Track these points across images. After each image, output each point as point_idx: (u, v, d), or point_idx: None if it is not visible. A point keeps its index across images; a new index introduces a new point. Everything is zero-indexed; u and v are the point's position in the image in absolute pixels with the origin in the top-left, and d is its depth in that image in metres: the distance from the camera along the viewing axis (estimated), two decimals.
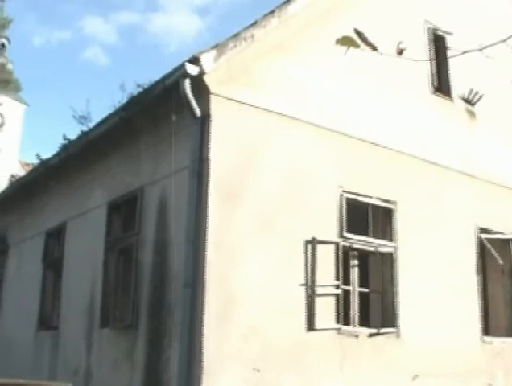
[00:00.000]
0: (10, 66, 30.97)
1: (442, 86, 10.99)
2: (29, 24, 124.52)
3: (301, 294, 8.35)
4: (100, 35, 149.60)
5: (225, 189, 7.89)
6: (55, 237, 12.45)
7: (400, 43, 2.70)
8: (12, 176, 35.87)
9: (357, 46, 2.58)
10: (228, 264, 7.77)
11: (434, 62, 10.77)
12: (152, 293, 8.63)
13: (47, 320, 12.24)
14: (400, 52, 2.78)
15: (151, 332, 8.53)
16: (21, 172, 43.05)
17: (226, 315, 7.63)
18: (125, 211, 9.84)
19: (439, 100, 10.87)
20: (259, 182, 8.25)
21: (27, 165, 33.31)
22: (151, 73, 54.96)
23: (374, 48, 2.64)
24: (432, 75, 10.80)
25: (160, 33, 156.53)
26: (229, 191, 7.93)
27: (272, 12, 8.72)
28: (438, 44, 11.07)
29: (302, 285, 8.35)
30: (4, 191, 16.61)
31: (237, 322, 7.71)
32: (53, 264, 12.43)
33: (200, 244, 7.62)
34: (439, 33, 11.13)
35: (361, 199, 9.27)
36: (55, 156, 12.09)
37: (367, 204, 9.38)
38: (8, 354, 13.75)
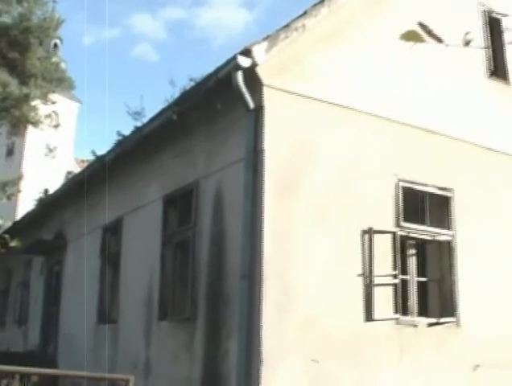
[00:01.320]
0: (63, 65, 31.31)
1: (498, 70, 10.71)
2: (79, 23, 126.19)
3: (358, 285, 8.28)
4: (148, 32, 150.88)
5: (281, 180, 7.86)
6: (112, 232, 12.60)
7: (467, 33, 2.61)
8: (68, 173, 36.43)
9: (422, 40, 2.49)
10: (284, 256, 7.75)
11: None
12: (209, 285, 8.66)
13: (107, 314, 12.38)
14: (467, 43, 2.68)
15: (209, 324, 8.56)
16: (76, 169, 43.76)
17: (284, 306, 7.61)
18: (180, 205, 9.88)
19: (495, 85, 10.60)
20: (314, 172, 8.19)
21: (82, 162, 33.81)
22: (200, 67, 55.32)
23: (440, 40, 2.55)
24: (488, 59, 10.55)
25: (207, 27, 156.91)
26: (284, 182, 7.89)
27: (322, 1, 8.64)
28: (493, 27, 10.80)
29: (359, 275, 8.28)
30: (61, 188, 16.90)
31: (294, 314, 7.68)
32: (111, 258, 12.57)
33: (257, 236, 7.61)
34: (494, 15, 10.86)
35: (417, 187, 9.12)
36: (110, 152, 12.22)
37: (423, 192, 9.23)
38: (69, 347, 13.99)
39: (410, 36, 2.47)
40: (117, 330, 11.64)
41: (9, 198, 17.62)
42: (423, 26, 2.52)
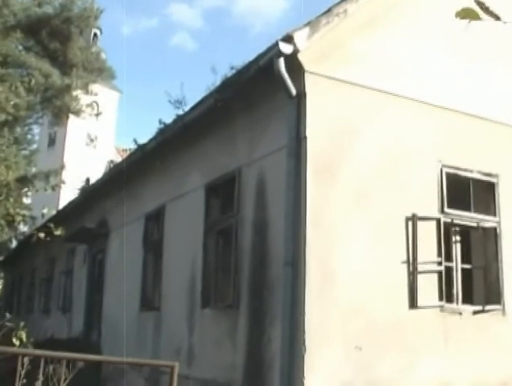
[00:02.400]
0: (103, 55, 31.66)
1: None
2: (117, 14, 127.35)
3: (402, 271, 8.22)
4: (186, 21, 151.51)
5: (323, 167, 7.82)
6: (155, 220, 12.70)
7: None
8: (110, 162, 36.78)
9: (478, 18, 2.41)
10: (327, 243, 7.73)
11: None
12: (252, 272, 8.69)
13: (149, 301, 12.53)
14: None
15: (252, 312, 8.59)
16: (117, 158, 44.23)
17: (327, 293, 7.60)
18: (223, 193, 9.92)
19: None
20: (356, 158, 8.14)
21: (124, 151, 34.11)
22: (239, 55, 55.40)
23: (497, 18, 2.47)
24: None
25: (245, 15, 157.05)
26: (326, 169, 7.86)
27: None
28: None
29: (403, 262, 8.22)
30: (103, 177, 17.07)
31: (337, 301, 7.67)
32: (153, 246, 12.70)
33: (300, 223, 7.60)
34: None
35: (461, 173, 9.01)
36: (151, 140, 12.30)
37: (468, 178, 9.11)
38: (113, 334, 14.18)
39: (465, 14, 2.39)
40: (160, 318, 11.76)
41: (53, 189, 17.82)
42: (479, 3, 2.44)
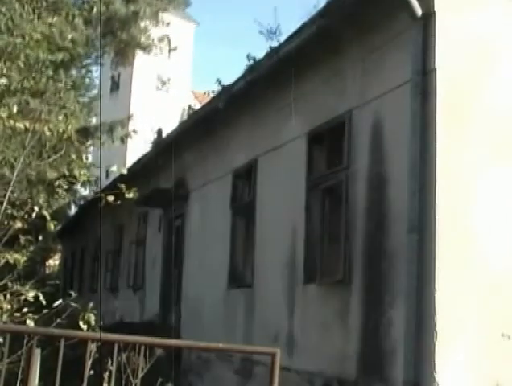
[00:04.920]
0: None
1: None
2: None
3: None
4: None
5: (456, 106, 7.67)
6: (245, 178, 12.82)
7: None
8: (189, 108, 36.83)
9: None
10: (462, 201, 7.61)
11: None
12: (368, 240, 8.68)
13: (239, 276, 12.69)
14: None
15: (368, 288, 8.60)
16: (195, 104, 44.55)
17: (463, 266, 7.52)
18: (329, 142, 9.90)
19: None
20: (498, 94, 7.96)
21: (203, 95, 33.99)
22: None
23: None
24: None
25: None
26: (460, 109, 7.71)
27: None
28: None
29: None
30: (179, 127, 17.15)
31: (476, 275, 7.56)
32: (243, 209, 12.84)
33: (428, 179, 7.52)
34: None
35: None
36: (239, 80, 12.29)
37: None
38: (195, 316, 14.42)
39: None
40: (253, 296, 11.91)
41: (122, 141, 17.95)
42: None
